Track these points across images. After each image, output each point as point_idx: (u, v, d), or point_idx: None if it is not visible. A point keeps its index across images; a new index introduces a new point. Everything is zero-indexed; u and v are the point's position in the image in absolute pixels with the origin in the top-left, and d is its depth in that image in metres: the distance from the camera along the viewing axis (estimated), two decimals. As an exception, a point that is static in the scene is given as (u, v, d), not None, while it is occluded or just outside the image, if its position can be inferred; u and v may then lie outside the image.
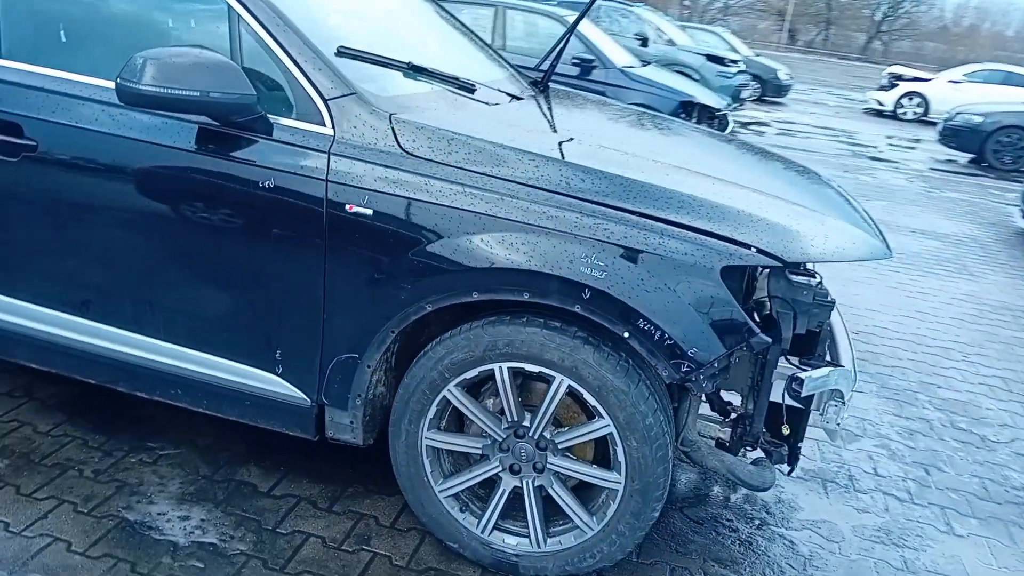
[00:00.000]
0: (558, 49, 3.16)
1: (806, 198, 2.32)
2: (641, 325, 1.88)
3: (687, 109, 7.87)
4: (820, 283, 2.80)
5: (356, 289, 2.05)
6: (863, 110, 18.87)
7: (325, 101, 2.06)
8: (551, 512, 2.17)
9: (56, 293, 2.34)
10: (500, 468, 2.15)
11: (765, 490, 2.33)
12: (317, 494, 2.45)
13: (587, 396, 1.98)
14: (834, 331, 2.50)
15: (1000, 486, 2.98)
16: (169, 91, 1.90)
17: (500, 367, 2.02)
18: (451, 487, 2.18)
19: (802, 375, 2.05)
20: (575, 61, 7.66)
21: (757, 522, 2.57)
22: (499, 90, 2.66)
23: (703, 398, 2.38)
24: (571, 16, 8.13)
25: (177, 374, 2.30)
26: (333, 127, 2.04)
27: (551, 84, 3.47)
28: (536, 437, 2.09)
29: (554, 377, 2.00)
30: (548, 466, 2.11)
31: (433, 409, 2.11)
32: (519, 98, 2.70)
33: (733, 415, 2.37)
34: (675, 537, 2.45)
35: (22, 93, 2.20)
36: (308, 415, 2.22)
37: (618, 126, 2.80)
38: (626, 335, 1.90)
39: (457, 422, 2.26)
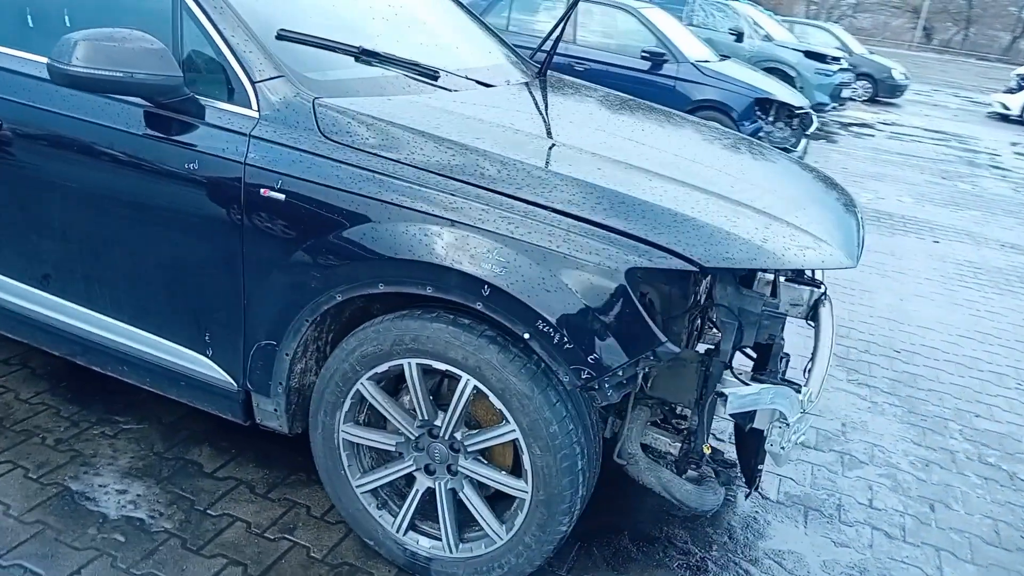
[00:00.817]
0: (555, 35, 3.06)
1: (776, 202, 2.13)
2: (540, 327, 1.77)
3: (763, 107, 7.50)
4: (823, 294, 2.60)
5: (271, 276, 2.03)
6: (987, 114, 17.52)
7: (253, 83, 2.04)
8: (467, 517, 2.08)
9: (23, 267, 2.44)
10: (415, 467, 2.07)
11: (705, 513, 2.17)
12: (259, 479, 2.45)
13: (492, 398, 1.88)
14: (817, 347, 2.30)
15: (1017, 531, 2.66)
16: (95, 72, 1.92)
17: (409, 363, 1.95)
18: (368, 483, 2.12)
19: (727, 391, 1.88)
20: (644, 55, 7.44)
21: (714, 547, 2.39)
22: (469, 78, 2.57)
23: (652, 410, 2.23)
24: (648, 9, 7.91)
25: (123, 351, 2.34)
26: (258, 110, 2.03)
27: (563, 74, 3.38)
28: (448, 438, 2.01)
29: (461, 376, 1.91)
30: (459, 469, 2.02)
31: (348, 402, 2.06)
32: (489, 85, 2.61)
33: (684, 431, 2.21)
34: (617, 554, 2.31)
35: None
36: (236, 400, 2.22)
37: (589, 118, 2.65)
38: (527, 336, 1.79)
39: (381, 418, 2.20)
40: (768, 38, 12.09)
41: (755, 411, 2.01)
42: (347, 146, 1.95)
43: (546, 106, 2.62)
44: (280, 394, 2.14)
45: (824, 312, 2.71)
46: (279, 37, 2.14)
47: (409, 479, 2.10)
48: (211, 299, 2.14)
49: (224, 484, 2.41)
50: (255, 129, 2.01)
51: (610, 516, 2.44)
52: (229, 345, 2.17)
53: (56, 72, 1.95)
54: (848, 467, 2.91)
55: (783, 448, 2.01)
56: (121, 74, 1.93)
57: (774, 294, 2.43)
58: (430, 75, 2.39)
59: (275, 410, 2.18)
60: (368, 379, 2.01)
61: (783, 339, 2.13)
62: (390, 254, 1.87)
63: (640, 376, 1.82)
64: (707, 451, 2.05)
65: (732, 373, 2.06)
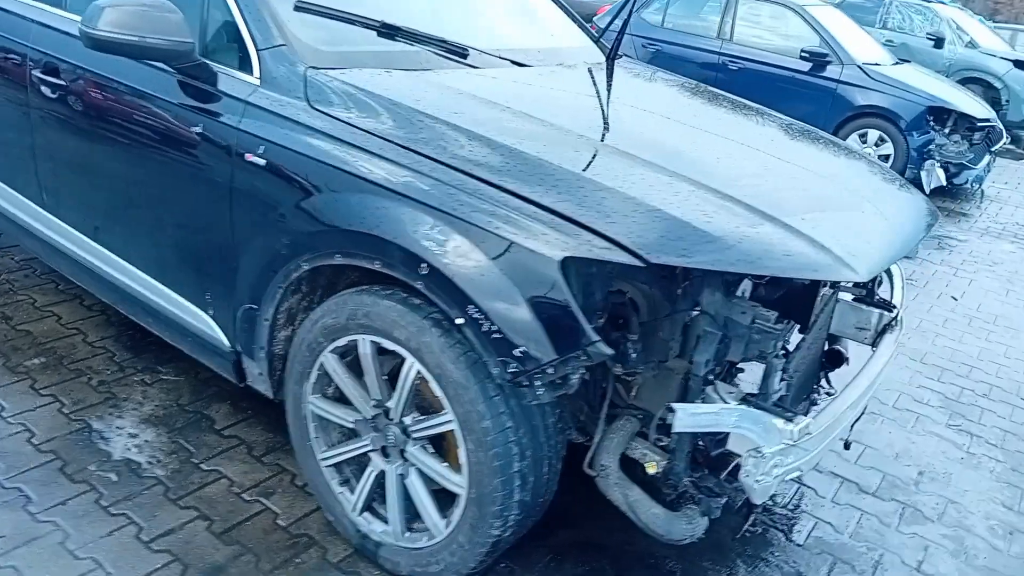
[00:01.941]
0: (623, 18, 2.89)
1: (793, 201, 1.88)
2: (472, 313, 1.66)
3: (939, 117, 6.73)
4: (894, 319, 2.28)
5: (253, 240, 2.06)
6: None
7: (258, 51, 2.08)
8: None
9: (81, 217, 2.65)
10: (371, 448, 2.02)
11: (676, 542, 1.93)
12: (260, 442, 2.50)
13: (432, 384, 1.79)
14: (854, 378, 2.04)
15: (1106, 628, 2.18)
16: (115, 35, 2.04)
17: (363, 339, 1.90)
18: (331, 457, 2.10)
19: (677, 407, 1.67)
20: (804, 55, 6.90)
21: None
22: (503, 57, 2.47)
23: (642, 421, 2.03)
24: (817, 8, 7.33)
25: (149, 303, 2.48)
26: (260, 77, 2.06)
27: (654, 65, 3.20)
28: (399, 422, 1.94)
29: (406, 358, 1.83)
30: (407, 454, 1.95)
31: (315, 373, 2.04)
32: (524, 65, 2.49)
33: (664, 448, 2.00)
34: (591, 574, 2.13)
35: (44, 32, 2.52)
36: (229, 360, 2.27)
37: (617, 102, 2.45)
38: (461, 322, 1.69)
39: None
40: (972, 45, 10.86)
41: (727, 435, 1.77)
42: (326, 115, 1.94)
43: (574, 89, 2.46)
44: (263, 359, 2.17)
45: (887, 340, 2.38)
46: (297, 8, 2.17)
47: (366, 459, 2.06)
48: (210, 259, 2.21)
49: (227, 442, 2.49)
50: (252, 96, 2.04)
51: (594, 531, 2.26)
52: (224, 305, 2.22)
53: (84, 35, 2.08)
54: (907, 521, 2.52)
55: (758, 482, 1.76)
56: (136, 38, 2.03)
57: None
58: (458, 52, 2.33)
59: (260, 374, 2.21)
60: (331, 352, 1.99)
61: (784, 357, 1.87)
62: (343, 225, 1.84)
63: (575, 376, 1.66)
64: (651, 470, 1.84)
65: (717, 389, 1.83)
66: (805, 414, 1.89)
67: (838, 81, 6.76)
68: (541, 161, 1.75)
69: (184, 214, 2.24)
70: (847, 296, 2.55)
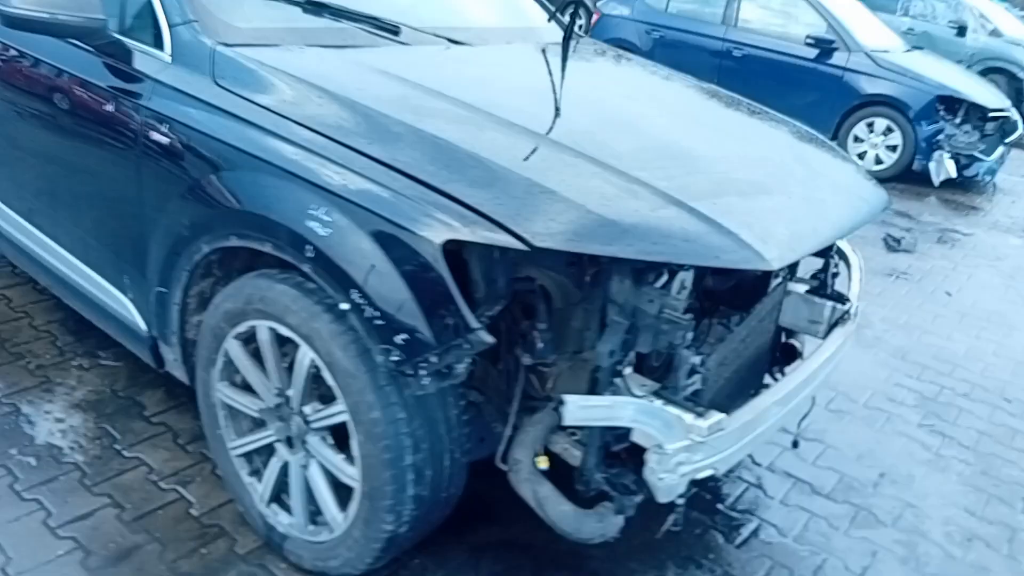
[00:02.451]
0: None
1: (706, 185, 1.77)
2: (355, 298, 1.57)
3: (950, 106, 6.50)
4: (846, 312, 2.17)
5: (159, 221, 2.00)
6: None
7: (170, 27, 2.01)
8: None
9: (17, 198, 2.61)
10: (276, 438, 1.95)
11: (587, 541, 1.84)
12: (188, 429, 2.44)
13: (324, 373, 1.72)
14: (788, 374, 1.94)
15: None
16: (28, 12, 1.97)
17: (260, 325, 1.83)
18: (239, 447, 2.03)
19: (567, 398, 1.57)
20: (809, 41, 6.70)
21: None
22: (438, 35, 2.37)
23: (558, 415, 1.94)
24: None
25: (78, 286, 2.43)
26: (171, 55, 2.00)
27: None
28: (299, 412, 1.87)
29: (300, 345, 1.76)
30: (307, 445, 1.88)
31: (220, 360, 1.97)
32: (460, 43, 2.39)
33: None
34: (506, 573, 2.05)
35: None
36: (147, 344, 2.22)
37: (542, 80, 2.34)
38: (346, 308, 1.60)
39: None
40: (996, 33, 10.53)
41: (629, 429, 1.67)
42: (228, 92, 1.87)
43: (506, 68, 2.35)
44: (176, 344, 2.11)
45: (836, 334, 2.26)
46: (212, -18, 2.09)
47: (272, 449, 1.99)
48: (125, 241, 2.15)
49: (154, 429, 2.44)
50: (161, 73, 1.98)
51: (518, 529, 2.16)
52: (139, 288, 2.17)
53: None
54: (858, 525, 2.40)
55: (661, 479, 1.67)
56: (48, 15, 1.97)
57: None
58: (388, 29, 2.24)
59: (175, 359, 2.15)
60: (234, 338, 1.92)
61: (695, 350, 1.76)
62: (235, 205, 1.77)
63: (461, 366, 1.57)
64: (542, 464, 1.74)
65: (627, 381, 1.73)
66: None
67: (845, 68, 6.56)
68: (437, 140, 1.66)
69: (102, 195, 2.19)
70: (799, 288, 2.43)
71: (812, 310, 2.40)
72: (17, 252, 2.69)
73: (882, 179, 6.57)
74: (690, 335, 1.72)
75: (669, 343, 1.72)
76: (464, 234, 1.50)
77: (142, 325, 2.20)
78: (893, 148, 6.48)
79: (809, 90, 6.68)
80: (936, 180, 6.33)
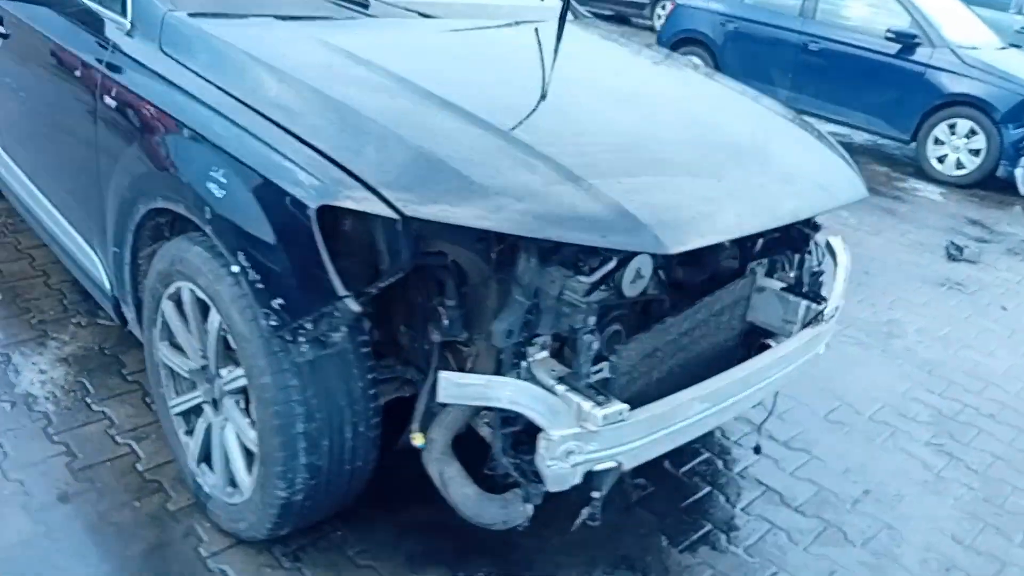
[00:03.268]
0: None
1: (626, 160, 1.69)
2: (242, 260, 1.58)
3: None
4: (820, 313, 2.05)
5: (110, 181, 2.06)
6: None
7: (131, -6, 2.08)
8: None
9: (23, 159, 2.76)
10: (203, 399, 1.99)
11: (489, 526, 1.79)
12: (159, 388, 2.53)
13: (229, 336, 1.73)
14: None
15: None
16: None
17: (184, 286, 1.87)
18: (176, 406, 2.09)
19: (442, 375, 1.53)
20: (890, 35, 6.30)
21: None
22: (410, 9, 2.35)
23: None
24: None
25: (64, 244, 2.55)
26: (131, 21, 2.06)
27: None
28: (217, 374, 1.89)
29: (211, 307, 1.78)
30: (223, 407, 1.90)
31: (159, 320, 2.03)
32: (430, 16, 2.37)
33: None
34: (426, 554, 2.02)
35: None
36: (111, 302, 2.30)
37: (499, 57, 2.27)
38: (236, 271, 1.61)
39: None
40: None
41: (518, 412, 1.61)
42: (170, 58, 1.91)
43: (466, 44, 2.29)
44: (130, 303, 2.18)
45: (802, 335, 2.14)
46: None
47: (201, 410, 2.03)
48: (90, 200, 2.24)
49: (128, 386, 2.53)
50: (120, 39, 2.05)
51: (451, 513, 2.11)
52: (103, 247, 2.25)
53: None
54: (822, 542, 2.24)
55: (548, 467, 1.60)
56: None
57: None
58: (358, 3, 2.25)
59: (133, 318, 2.22)
60: (168, 299, 1.96)
61: (598, 334, 1.67)
62: (156, 167, 1.81)
63: (336, 335, 1.55)
64: (417, 442, 1.70)
65: (532, 365, 1.68)
66: None
67: (927, 65, 6.14)
68: (341, 107, 1.65)
69: (75, 157, 2.29)
70: (774, 285, 2.30)
71: (786, 308, 2.27)
72: (24, 209, 2.85)
73: (962, 185, 6.20)
74: (592, 319, 1.64)
75: (570, 327, 1.65)
76: (339, 200, 1.47)
77: (107, 284, 2.29)
78: (976, 152, 6.03)
79: (888, 88, 6.29)
80: (1022, 188, 5.85)
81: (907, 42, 6.22)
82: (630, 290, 2.07)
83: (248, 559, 1.94)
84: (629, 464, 1.74)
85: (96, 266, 2.33)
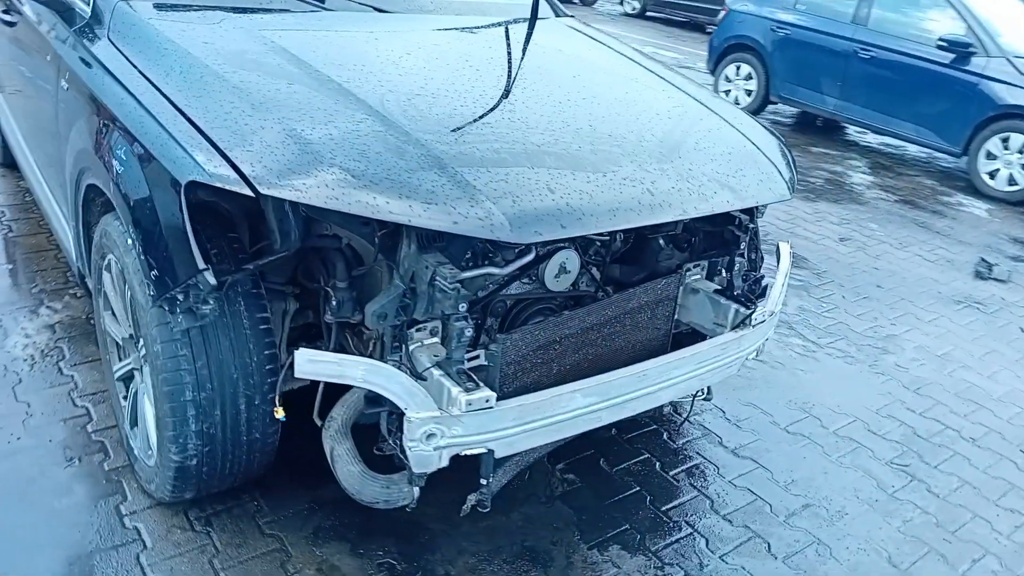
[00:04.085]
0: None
1: (504, 152, 1.72)
2: (132, 233, 1.68)
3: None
4: (749, 316, 2.05)
5: (66, 159, 2.21)
6: None
7: (92, -16, 2.23)
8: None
9: (28, 140, 2.98)
10: (133, 366, 2.11)
11: (370, 504, 1.84)
12: (127, 358, 2.68)
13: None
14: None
15: None
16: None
17: (112, 258, 1.99)
18: (117, 371, 2.22)
19: (298, 351, 1.59)
20: (942, 44, 6.03)
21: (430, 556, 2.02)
22: (365, 3, 2.43)
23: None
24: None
25: (50, 214, 2.74)
26: (91, 10, 2.21)
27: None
28: (137, 341, 2.01)
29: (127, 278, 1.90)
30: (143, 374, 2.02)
31: (102, 290, 2.16)
32: (384, 11, 2.44)
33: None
34: (334, 528, 2.09)
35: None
36: (78, 274, 2.46)
37: (434, 52, 2.29)
38: (130, 242, 1.72)
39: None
40: None
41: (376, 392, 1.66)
42: (113, 46, 2.03)
43: (407, 38, 2.34)
44: (90, 273, 2.33)
45: (719, 339, 2.13)
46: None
47: (132, 376, 2.15)
48: (60, 176, 2.40)
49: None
50: (80, 26, 2.20)
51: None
52: (69, 219, 2.41)
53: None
54: (741, 553, 2.19)
55: (409, 448, 1.65)
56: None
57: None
58: (315, -1, 2.35)
59: (95, 287, 2.37)
60: (105, 269, 2.09)
61: (468, 320, 1.71)
62: (90, 147, 1.94)
63: (205, 308, 1.63)
64: (278, 414, 1.75)
65: (411, 348, 1.73)
66: None
67: (981, 75, 5.85)
68: (237, 90, 1.73)
69: (50, 135, 2.45)
70: (707, 287, 2.28)
71: (717, 311, 2.25)
72: (30, 184, 3.07)
73: (1012, 202, 5.86)
74: (463, 306, 1.68)
75: (442, 312, 1.69)
76: (205, 177, 1.55)
77: (74, 255, 2.45)
78: (1033, 168, 5.72)
79: (939, 98, 6.03)
80: (1081, 208, 5.51)
81: (961, 51, 5.94)
82: (555, 284, 2.10)
83: (162, 520, 2.05)
84: (502, 452, 1.77)
85: (68, 238, 2.50)
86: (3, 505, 2.04)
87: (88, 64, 2.02)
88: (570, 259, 2.08)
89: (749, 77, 7.45)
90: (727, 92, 7.63)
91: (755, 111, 7.53)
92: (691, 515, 2.31)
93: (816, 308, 3.79)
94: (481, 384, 1.68)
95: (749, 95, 7.47)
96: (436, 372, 1.70)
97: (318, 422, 1.97)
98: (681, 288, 2.25)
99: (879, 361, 3.35)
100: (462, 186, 1.56)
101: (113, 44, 2.02)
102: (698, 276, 2.33)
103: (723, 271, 2.31)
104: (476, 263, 1.91)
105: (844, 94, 6.61)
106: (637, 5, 15.22)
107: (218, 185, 1.53)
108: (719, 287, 2.27)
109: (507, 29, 2.68)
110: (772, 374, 3.13)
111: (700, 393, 2.46)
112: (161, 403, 1.78)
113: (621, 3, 15.70)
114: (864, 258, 4.51)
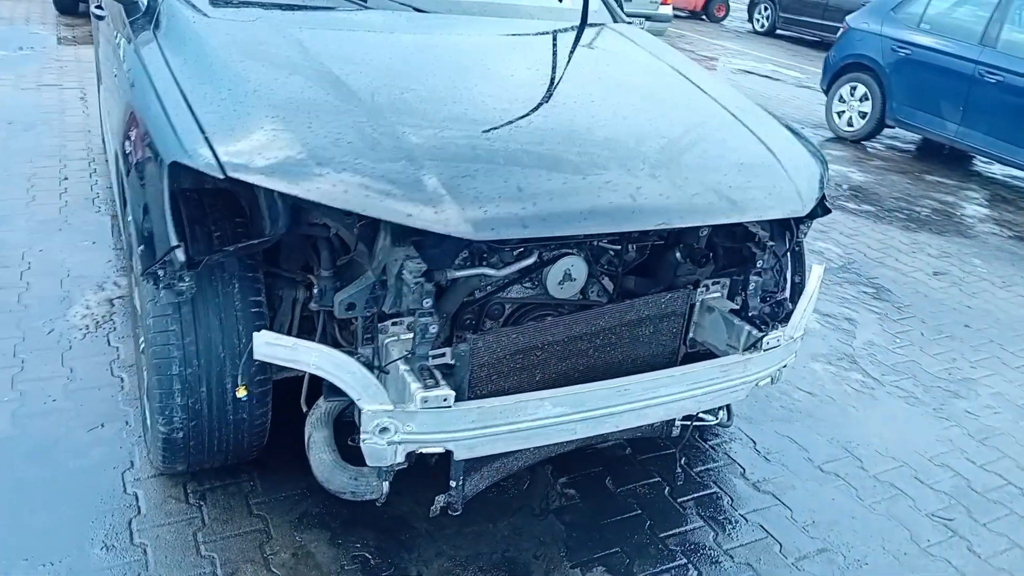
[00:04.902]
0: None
1: (484, 148, 1.71)
2: (132, 211, 1.78)
3: None
4: (761, 339, 1.96)
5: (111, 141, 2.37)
6: None
7: (152, -16, 2.37)
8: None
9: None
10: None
11: (338, 494, 1.85)
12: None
13: (143, 281, 1.94)
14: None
15: None
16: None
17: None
18: (140, 343, 2.34)
19: (257, 334, 1.62)
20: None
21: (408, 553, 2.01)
22: (405, 3, 2.48)
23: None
24: None
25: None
26: (147, 4, 2.35)
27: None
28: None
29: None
30: (148, 345, 2.12)
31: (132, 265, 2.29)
32: (422, 11, 2.47)
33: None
34: (320, 517, 2.11)
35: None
36: (127, 250, 2.62)
37: (453, 52, 2.28)
38: (130, 219, 1.81)
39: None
40: None
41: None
42: (155, 38, 2.16)
43: (427, 39, 2.34)
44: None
45: (721, 360, 2.03)
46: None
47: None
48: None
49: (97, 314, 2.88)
50: (135, 16, 2.36)
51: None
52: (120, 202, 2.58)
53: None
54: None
55: (364, 440, 1.65)
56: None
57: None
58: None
59: (129, 263, 2.52)
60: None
61: (433, 316, 1.69)
62: (122, 132, 2.06)
63: (183, 284, 1.68)
64: (239, 393, 1.77)
65: (383, 338, 1.75)
66: None
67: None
68: (237, 80, 1.79)
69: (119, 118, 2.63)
70: (723, 304, 2.18)
71: (731, 332, 2.14)
72: (111, 165, 3.30)
73: None
74: (428, 302, 1.66)
75: (409, 307, 1.68)
76: (187, 159, 1.60)
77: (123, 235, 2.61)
78: None
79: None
80: None
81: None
82: (559, 292, 2.06)
83: (160, 490, 2.14)
84: (462, 454, 1.74)
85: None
86: (26, 460, 2.18)
87: (135, 52, 2.16)
88: (575, 266, 2.03)
89: (864, 98, 7.05)
90: (840, 113, 7.26)
91: (869, 135, 7.13)
92: (690, 545, 2.19)
93: (887, 343, 3.53)
94: (442, 382, 1.66)
95: (863, 117, 7.08)
96: (402, 366, 1.70)
97: (304, 408, 2.01)
98: (695, 305, 2.16)
99: (946, 405, 3.08)
100: (424, 179, 1.55)
101: (155, 36, 2.14)
102: (717, 294, 2.22)
103: (742, 290, 2.19)
104: (471, 263, 1.89)
105: (966, 120, 6.15)
106: (766, 23, 14.83)
107: (195, 167, 1.59)
108: (736, 307, 2.15)
109: (555, 35, 2.66)
110: (819, 408, 2.94)
111: (715, 417, 2.34)
112: (149, 374, 1.86)
113: (750, 20, 15.34)
114: (957, 295, 4.17)
